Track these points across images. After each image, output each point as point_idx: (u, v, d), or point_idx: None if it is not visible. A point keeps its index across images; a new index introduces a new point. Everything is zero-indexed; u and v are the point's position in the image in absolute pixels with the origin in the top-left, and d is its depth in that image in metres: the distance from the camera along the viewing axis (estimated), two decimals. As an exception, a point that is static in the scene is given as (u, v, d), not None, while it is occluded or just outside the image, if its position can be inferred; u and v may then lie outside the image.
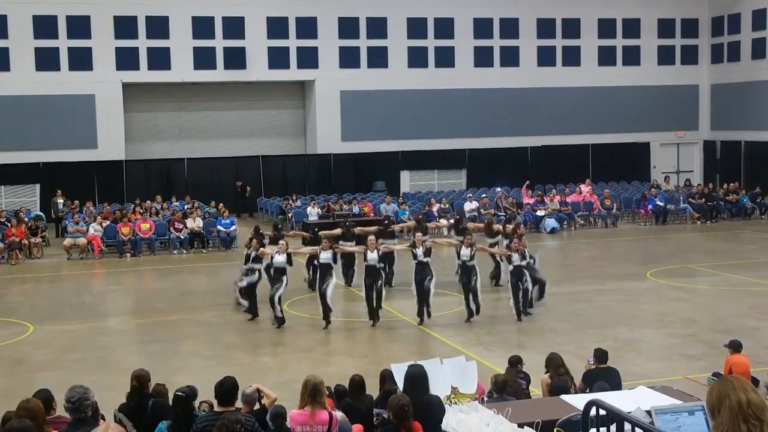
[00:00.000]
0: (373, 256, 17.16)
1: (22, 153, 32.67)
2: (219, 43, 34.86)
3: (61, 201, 30.42)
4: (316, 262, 17.32)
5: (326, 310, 16.93)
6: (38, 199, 33.20)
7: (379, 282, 17.26)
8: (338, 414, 8.45)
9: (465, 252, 17.35)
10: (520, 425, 7.21)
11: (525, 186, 32.25)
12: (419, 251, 17.28)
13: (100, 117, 33.87)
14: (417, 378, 8.44)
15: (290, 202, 31.34)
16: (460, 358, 10.02)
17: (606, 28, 38.84)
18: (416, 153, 36.83)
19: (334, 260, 17.28)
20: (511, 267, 17.41)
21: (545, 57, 38.17)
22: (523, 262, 17.39)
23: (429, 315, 17.26)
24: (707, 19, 39.77)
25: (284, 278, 17.13)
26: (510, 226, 19.73)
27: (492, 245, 20.07)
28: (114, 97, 33.92)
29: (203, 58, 34.60)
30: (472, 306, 17.24)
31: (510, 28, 37.72)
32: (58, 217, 30.00)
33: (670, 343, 15.65)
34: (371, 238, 17.96)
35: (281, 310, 17.13)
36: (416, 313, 17.23)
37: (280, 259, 17.12)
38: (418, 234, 18.36)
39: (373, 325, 17.10)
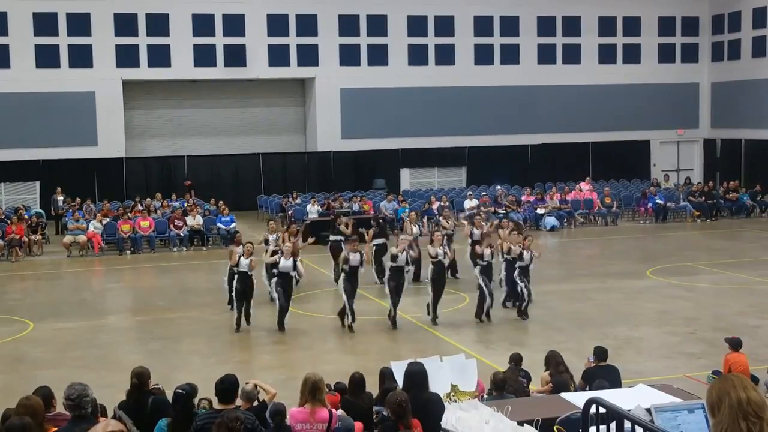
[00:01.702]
0: (402, 257, 16.68)
1: (22, 150, 32.70)
2: (219, 40, 34.84)
3: (60, 198, 30.41)
4: (345, 266, 16.57)
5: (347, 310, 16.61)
6: (38, 197, 33.22)
7: (404, 285, 16.91)
8: (338, 411, 8.46)
9: (487, 253, 17.11)
10: (520, 423, 7.20)
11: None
12: (439, 251, 17.01)
13: (100, 114, 33.88)
14: (416, 376, 8.45)
15: (290, 199, 31.32)
16: (459, 356, 10.03)
17: (606, 25, 38.83)
18: (416, 151, 36.84)
19: (361, 264, 16.68)
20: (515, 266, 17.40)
21: (545, 55, 38.16)
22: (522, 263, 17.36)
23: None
24: (708, 17, 39.76)
25: (291, 283, 16.68)
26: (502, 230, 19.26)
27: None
28: (114, 95, 33.92)
29: (203, 56, 34.59)
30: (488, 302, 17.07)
31: (510, 25, 37.71)
32: (58, 215, 30.01)
33: (669, 341, 15.66)
34: (403, 237, 17.46)
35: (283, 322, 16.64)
36: (428, 313, 17.05)
37: (286, 263, 16.42)
38: (437, 233, 17.86)
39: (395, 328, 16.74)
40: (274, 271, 16.93)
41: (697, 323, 16.87)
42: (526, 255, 17.23)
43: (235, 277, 16.94)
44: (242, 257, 16.76)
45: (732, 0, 38.47)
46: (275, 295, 16.95)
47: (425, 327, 16.71)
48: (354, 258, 16.49)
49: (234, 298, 17.11)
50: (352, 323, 16.51)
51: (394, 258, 16.78)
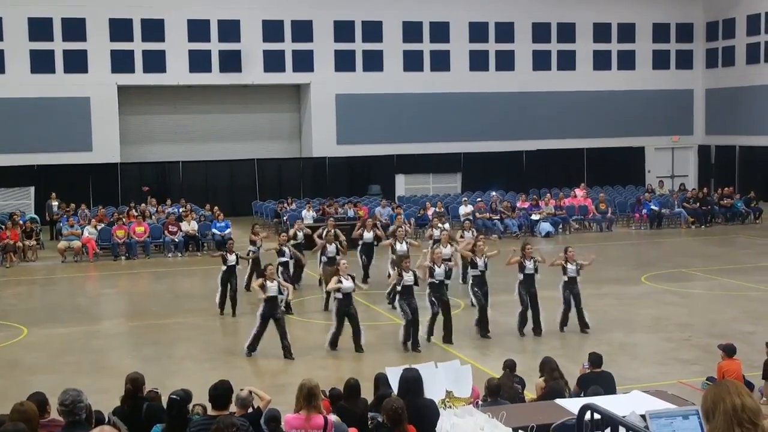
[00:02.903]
0: (440, 271, 16.05)
1: (16, 155, 32.65)
2: (214, 46, 34.85)
3: (55, 204, 30.36)
4: (398, 286, 15.69)
5: (415, 333, 15.73)
6: (33, 202, 33.17)
7: (448, 300, 16.29)
8: (333, 418, 8.45)
9: (529, 265, 16.71)
10: (515, 429, 7.20)
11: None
12: (480, 261, 16.56)
13: (95, 119, 33.85)
14: (411, 382, 8.45)
15: (285, 205, 31.31)
16: (454, 362, 10.00)
17: (601, 32, 38.92)
18: (411, 156, 36.86)
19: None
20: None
21: (540, 61, 38.24)
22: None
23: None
24: (702, 23, 39.88)
25: (353, 302, 15.68)
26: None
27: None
28: (109, 100, 33.90)
29: (199, 61, 34.60)
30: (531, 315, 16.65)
31: (505, 31, 37.78)
32: (52, 220, 29.95)
33: (664, 348, 15.68)
34: (438, 250, 16.85)
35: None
36: (477, 324, 16.44)
37: (348, 285, 15.47)
38: (479, 243, 17.14)
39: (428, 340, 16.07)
40: (337, 296, 15.65)
41: (692, 329, 16.88)
42: (571, 267, 16.67)
43: (263, 304, 15.32)
44: (267, 281, 15.30)
45: (726, 7, 38.59)
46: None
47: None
48: (408, 277, 15.64)
49: (260, 322, 15.37)
50: (413, 344, 15.66)
51: (431, 272, 15.99)
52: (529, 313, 16.62)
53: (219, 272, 18.87)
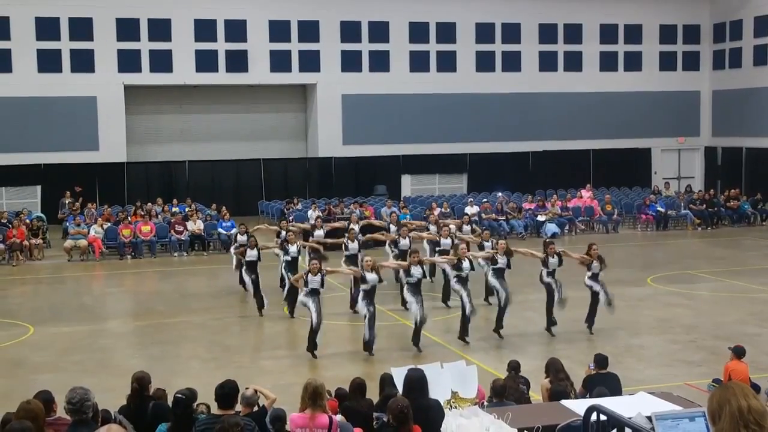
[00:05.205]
0: (466, 265, 16.09)
1: (23, 154, 32.70)
2: (221, 45, 34.89)
3: (68, 202, 30.47)
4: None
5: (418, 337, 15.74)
6: (39, 201, 33.24)
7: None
8: (338, 417, 8.46)
9: (552, 261, 16.74)
10: (521, 430, 7.20)
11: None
12: (502, 260, 16.39)
13: (102, 119, 33.90)
14: (416, 382, 8.44)
15: (292, 205, 31.33)
16: (460, 363, 10.00)
17: (608, 33, 38.87)
18: (417, 157, 36.85)
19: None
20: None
21: (547, 62, 38.21)
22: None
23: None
24: (709, 25, 39.80)
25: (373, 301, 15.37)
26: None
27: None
28: (116, 100, 33.95)
29: (205, 61, 34.64)
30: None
31: (512, 32, 37.76)
32: (64, 218, 30.01)
33: (670, 349, 15.66)
34: (462, 246, 16.66)
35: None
36: (496, 327, 16.38)
37: (372, 277, 15.27)
38: (491, 244, 17.02)
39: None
40: (363, 287, 15.40)
41: (698, 331, 16.86)
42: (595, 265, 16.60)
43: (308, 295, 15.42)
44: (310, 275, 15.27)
45: (733, 8, 38.52)
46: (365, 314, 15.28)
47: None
48: (416, 271, 15.64)
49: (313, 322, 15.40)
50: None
51: (457, 267, 16.08)
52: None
53: (242, 267, 18.76)
